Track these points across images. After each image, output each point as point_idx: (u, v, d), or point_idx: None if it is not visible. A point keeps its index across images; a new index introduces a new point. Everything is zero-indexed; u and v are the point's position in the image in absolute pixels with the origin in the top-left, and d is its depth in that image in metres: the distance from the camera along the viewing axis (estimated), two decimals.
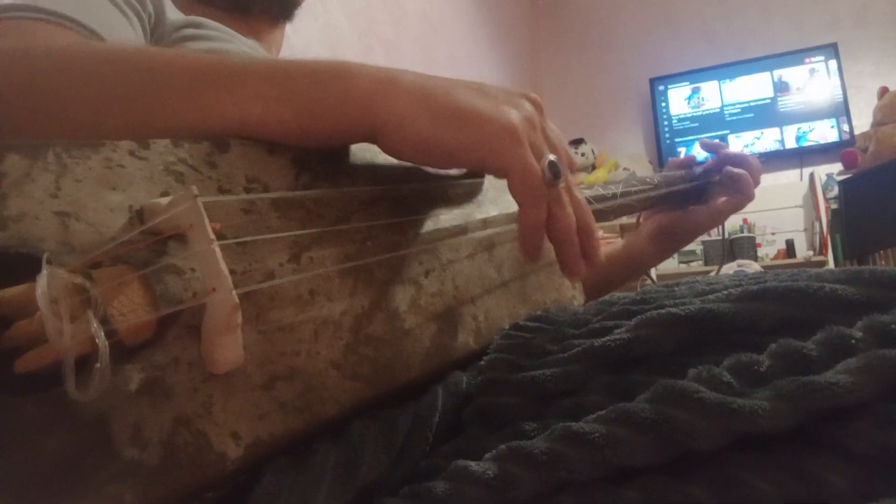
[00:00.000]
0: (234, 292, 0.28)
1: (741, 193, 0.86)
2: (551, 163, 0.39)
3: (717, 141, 0.90)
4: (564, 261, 0.42)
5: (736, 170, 0.85)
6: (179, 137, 0.34)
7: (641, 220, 0.90)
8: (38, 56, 0.39)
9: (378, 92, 0.37)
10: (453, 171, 0.49)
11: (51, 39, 0.47)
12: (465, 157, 0.38)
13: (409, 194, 0.44)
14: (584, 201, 0.43)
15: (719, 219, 0.87)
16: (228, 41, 0.67)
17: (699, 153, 0.96)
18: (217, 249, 0.28)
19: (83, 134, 0.35)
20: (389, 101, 0.37)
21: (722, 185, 0.86)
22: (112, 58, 0.39)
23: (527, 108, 0.41)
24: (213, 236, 0.28)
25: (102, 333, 0.25)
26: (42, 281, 0.24)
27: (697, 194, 0.87)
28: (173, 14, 0.65)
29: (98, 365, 0.24)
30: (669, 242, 0.89)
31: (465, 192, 0.50)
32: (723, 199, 0.86)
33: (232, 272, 0.30)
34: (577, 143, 4.09)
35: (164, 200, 0.30)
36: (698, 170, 0.88)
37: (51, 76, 0.37)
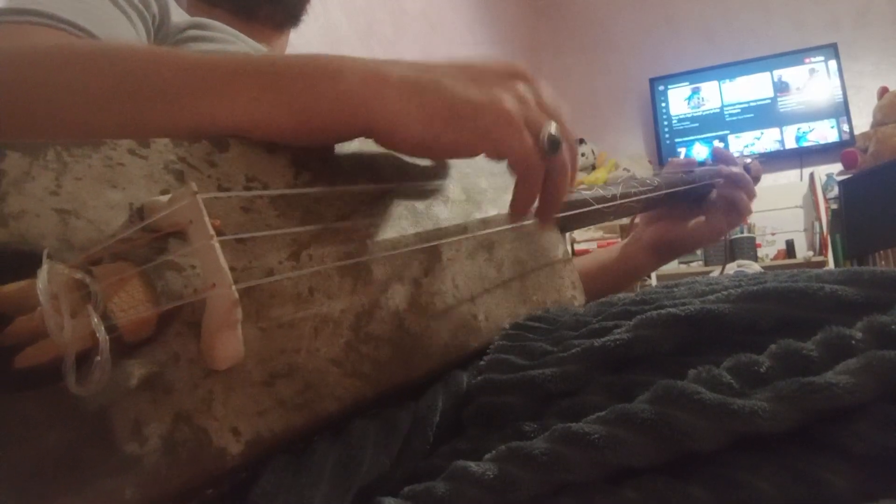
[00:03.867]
0: (233, 287, 0.28)
1: (738, 213, 0.88)
2: (550, 136, 0.40)
3: (727, 152, 0.91)
4: (543, 216, 0.44)
5: (734, 193, 0.87)
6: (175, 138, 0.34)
7: (639, 226, 0.90)
8: (28, 55, 0.38)
9: (368, 90, 0.37)
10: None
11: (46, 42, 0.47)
12: (465, 150, 0.39)
13: (410, 193, 0.44)
14: (575, 163, 0.44)
15: (718, 236, 0.88)
16: (233, 42, 0.67)
17: (698, 154, 0.96)
18: (217, 245, 0.28)
19: (75, 136, 0.35)
20: (381, 101, 0.36)
21: (720, 191, 0.88)
22: (102, 58, 0.38)
23: (517, 87, 0.40)
24: (212, 232, 0.28)
25: (102, 326, 0.25)
26: (42, 276, 0.24)
27: (697, 196, 0.87)
28: (178, 16, 0.65)
29: (98, 358, 0.24)
30: (668, 255, 0.90)
31: (465, 191, 0.50)
32: (720, 216, 0.87)
33: (232, 269, 0.30)
34: (576, 143, 4.08)
35: (165, 198, 0.30)
36: (698, 171, 0.88)
37: (40, 75, 0.36)
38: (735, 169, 0.88)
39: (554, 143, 0.40)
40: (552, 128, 0.40)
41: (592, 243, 3.46)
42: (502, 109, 0.38)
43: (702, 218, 0.88)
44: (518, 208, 0.42)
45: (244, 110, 0.36)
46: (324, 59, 0.38)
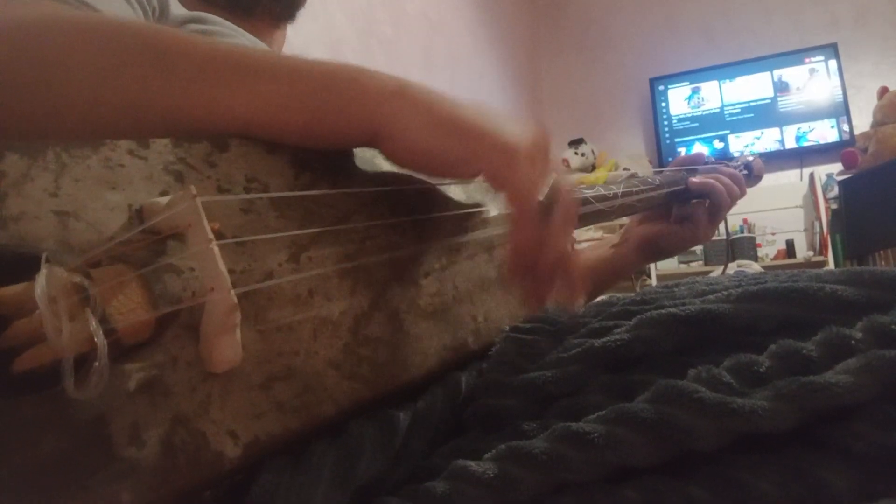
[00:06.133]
0: (232, 292, 0.28)
1: (713, 215, 0.87)
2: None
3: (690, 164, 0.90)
4: (528, 294, 0.40)
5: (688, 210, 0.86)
6: (178, 130, 0.34)
7: (629, 226, 0.90)
8: (45, 20, 0.37)
9: (385, 98, 0.36)
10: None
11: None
12: (464, 168, 0.37)
13: (409, 194, 0.44)
14: (572, 248, 0.41)
15: (704, 238, 0.87)
16: (232, 37, 0.67)
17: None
18: (215, 249, 0.28)
19: (81, 104, 0.34)
20: (394, 108, 0.36)
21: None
22: (123, 30, 0.38)
23: (534, 137, 0.39)
24: (211, 236, 0.28)
25: (101, 331, 0.25)
26: (41, 280, 0.24)
27: (691, 195, 0.87)
28: (177, 9, 0.65)
29: (97, 363, 0.24)
30: (654, 255, 0.90)
31: (465, 192, 0.50)
32: (704, 220, 0.86)
33: (231, 271, 0.30)
34: (577, 143, 4.09)
35: (164, 200, 0.30)
36: (701, 169, 0.88)
37: (56, 39, 0.35)
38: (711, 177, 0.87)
39: (545, 206, 0.38)
40: (545, 191, 0.38)
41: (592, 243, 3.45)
42: (510, 139, 0.37)
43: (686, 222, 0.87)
44: (511, 267, 0.38)
45: (260, 105, 0.36)
46: (347, 66, 0.38)
